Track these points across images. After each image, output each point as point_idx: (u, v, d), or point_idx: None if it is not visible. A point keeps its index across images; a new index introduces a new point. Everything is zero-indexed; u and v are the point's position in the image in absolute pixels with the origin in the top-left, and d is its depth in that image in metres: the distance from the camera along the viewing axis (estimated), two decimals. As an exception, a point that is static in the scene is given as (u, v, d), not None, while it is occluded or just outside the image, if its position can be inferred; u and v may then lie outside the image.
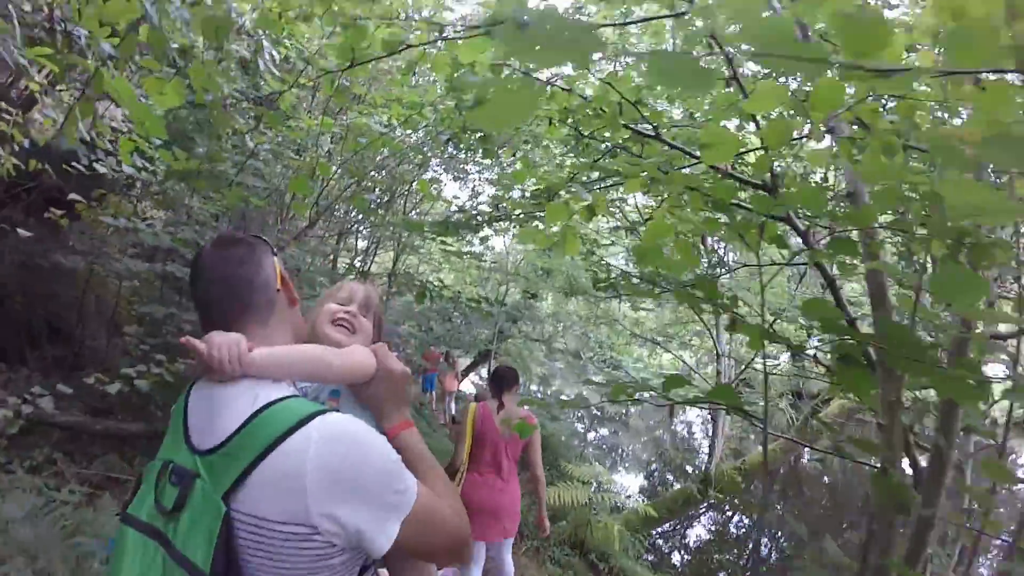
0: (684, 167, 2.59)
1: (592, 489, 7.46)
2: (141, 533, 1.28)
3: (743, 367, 9.80)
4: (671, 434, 27.42)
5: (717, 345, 9.88)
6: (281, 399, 1.31)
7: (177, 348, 5.73)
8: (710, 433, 10.44)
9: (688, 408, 28.24)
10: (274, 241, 5.76)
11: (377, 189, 8.03)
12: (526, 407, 4.66)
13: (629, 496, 9.03)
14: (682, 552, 11.14)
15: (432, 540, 1.36)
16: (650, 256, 2.27)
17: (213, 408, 1.32)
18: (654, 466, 21.39)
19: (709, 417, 22.65)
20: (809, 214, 2.50)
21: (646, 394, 2.17)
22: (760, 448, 11.42)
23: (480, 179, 9.29)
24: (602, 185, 3.96)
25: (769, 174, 2.24)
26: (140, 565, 1.24)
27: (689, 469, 21.71)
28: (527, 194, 4.66)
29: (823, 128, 2.04)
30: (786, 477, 14.98)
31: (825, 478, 16.97)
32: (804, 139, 2.11)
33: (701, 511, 14.95)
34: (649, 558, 8.07)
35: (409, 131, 5.53)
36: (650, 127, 2.62)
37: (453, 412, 12.57)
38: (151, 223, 5.80)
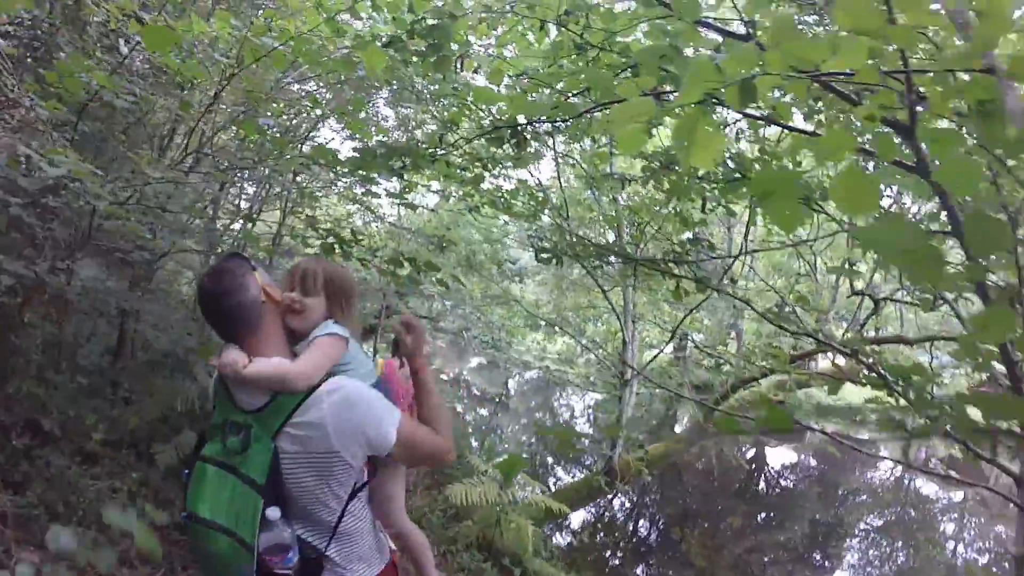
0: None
1: (499, 485, 6.63)
2: (217, 467, 1.88)
3: (651, 360, 9.25)
4: (551, 416, 27.08)
5: (624, 330, 9.25)
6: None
7: None
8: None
9: (570, 390, 28.15)
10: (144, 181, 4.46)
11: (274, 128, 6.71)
12: None
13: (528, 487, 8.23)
14: (565, 534, 10.58)
15: (415, 452, 2.11)
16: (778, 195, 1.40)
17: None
18: (534, 448, 20.95)
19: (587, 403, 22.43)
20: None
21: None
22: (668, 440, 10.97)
23: (417, 109, 7.46)
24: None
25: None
26: (219, 485, 1.85)
27: (569, 453, 21.38)
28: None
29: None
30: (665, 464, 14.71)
31: (699, 464, 16.96)
32: None
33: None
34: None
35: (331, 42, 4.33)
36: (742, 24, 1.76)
37: None
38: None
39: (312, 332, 2.07)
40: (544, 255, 4.47)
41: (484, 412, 22.96)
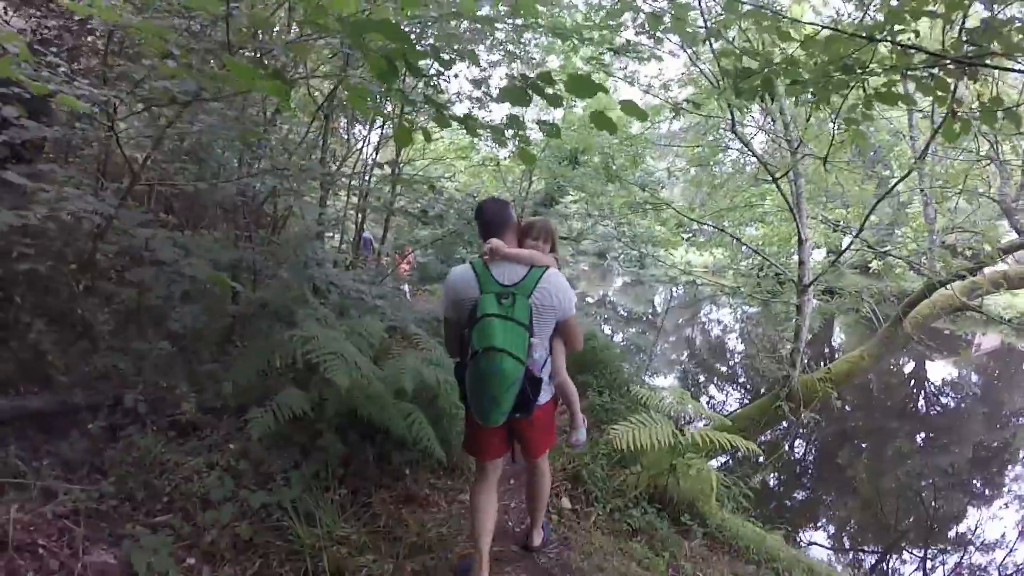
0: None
1: (674, 423, 5.11)
2: (500, 319, 2.96)
3: (839, 254, 7.36)
4: (702, 333, 25.36)
5: (800, 226, 7.36)
6: (532, 267, 3.20)
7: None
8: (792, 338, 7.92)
9: (719, 306, 26.18)
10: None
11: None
12: None
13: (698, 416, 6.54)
14: (738, 467, 9.08)
15: (571, 333, 3.35)
16: None
17: (508, 269, 3.17)
18: (686, 365, 19.46)
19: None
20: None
21: None
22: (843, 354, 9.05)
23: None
24: None
25: None
26: (503, 328, 2.94)
27: (723, 368, 19.68)
28: None
29: None
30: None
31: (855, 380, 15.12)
32: None
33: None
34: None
35: None
36: None
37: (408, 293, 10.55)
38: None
39: None
40: (747, 83, 2.76)
41: (632, 331, 21.46)
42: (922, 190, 7.87)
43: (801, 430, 10.98)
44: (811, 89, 2.59)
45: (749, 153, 8.15)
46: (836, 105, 3.63)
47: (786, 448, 11.34)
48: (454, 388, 4.40)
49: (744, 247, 10.10)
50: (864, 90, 2.72)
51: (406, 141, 3.02)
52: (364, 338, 4.45)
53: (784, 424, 9.42)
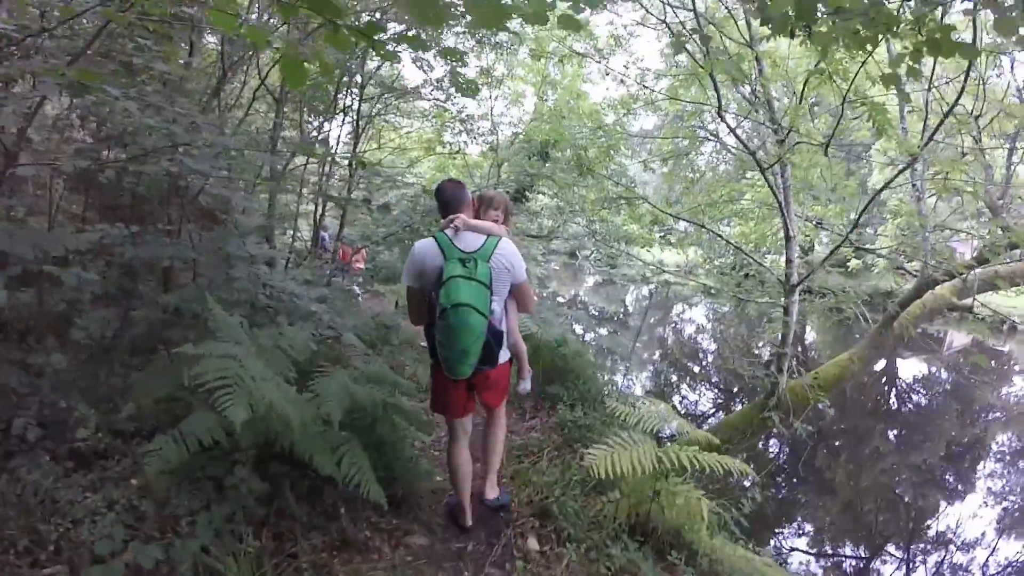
0: None
1: (657, 442, 4.43)
2: (464, 279, 3.33)
3: (831, 251, 6.73)
4: (674, 333, 24.92)
5: (787, 222, 6.73)
6: (489, 236, 3.60)
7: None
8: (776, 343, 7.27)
9: (691, 305, 25.72)
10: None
11: None
12: None
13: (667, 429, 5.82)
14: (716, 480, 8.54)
15: (524, 295, 3.81)
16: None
17: (468, 238, 3.54)
18: (658, 366, 18.97)
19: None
20: None
21: None
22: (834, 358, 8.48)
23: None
24: None
25: None
26: (467, 288, 3.32)
27: (696, 369, 19.19)
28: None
29: None
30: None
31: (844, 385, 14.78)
32: None
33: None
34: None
35: None
36: None
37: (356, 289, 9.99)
38: None
39: None
40: (777, 7, 2.09)
41: (604, 331, 20.91)
42: (914, 185, 7.34)
43: (791, 442, 10.54)
44: (857, 24, 1.94)
45: (727, 148, 7.55)
46: (877, 54, 2.98)
47: (771, 455, 10.93)
48: (395, 410, 4.02)
49: (724, 245, 9.47)
50: (919, 32, 2.09)
51: (297, 80, 2.26)
52: (284, 351, 3.68)
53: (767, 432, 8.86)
